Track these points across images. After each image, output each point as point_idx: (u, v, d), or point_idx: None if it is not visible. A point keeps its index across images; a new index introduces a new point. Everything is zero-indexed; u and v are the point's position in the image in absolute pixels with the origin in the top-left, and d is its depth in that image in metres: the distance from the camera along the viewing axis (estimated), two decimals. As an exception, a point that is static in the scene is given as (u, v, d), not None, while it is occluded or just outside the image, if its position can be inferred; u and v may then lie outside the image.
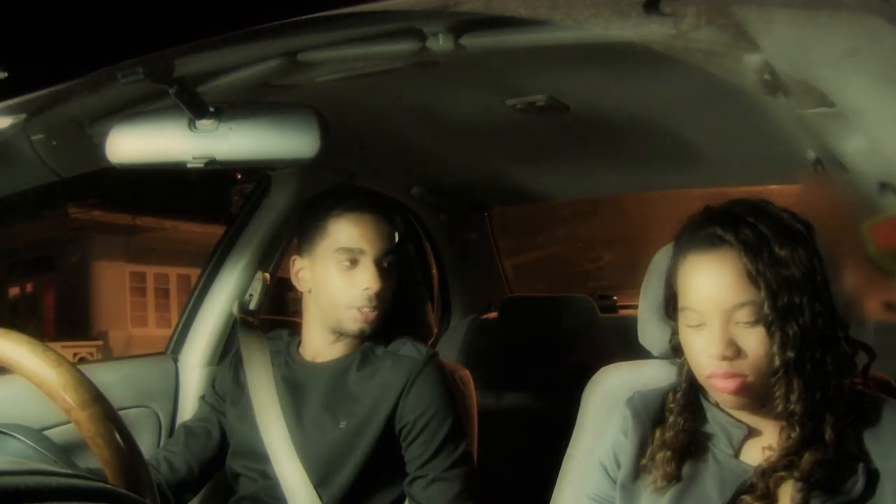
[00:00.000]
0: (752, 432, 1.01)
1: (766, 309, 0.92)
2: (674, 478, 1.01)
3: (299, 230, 1.49)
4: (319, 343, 1.46)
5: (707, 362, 0.95)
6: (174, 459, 1.45)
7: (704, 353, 0.95)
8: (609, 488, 1.09)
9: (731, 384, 0.94)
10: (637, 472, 1.05)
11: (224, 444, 1.49)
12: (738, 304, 0.93)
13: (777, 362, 0.92)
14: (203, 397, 1.57)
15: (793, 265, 0.92)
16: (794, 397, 0.92)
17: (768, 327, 0.92)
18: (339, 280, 1.39)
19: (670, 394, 1.08)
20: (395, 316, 1.54)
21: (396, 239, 1.43)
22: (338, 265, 1.39)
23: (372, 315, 1.39)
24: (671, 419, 1.05)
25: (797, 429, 0.94)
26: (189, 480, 1.46)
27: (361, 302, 1.38)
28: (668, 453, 1.02)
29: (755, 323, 0.93)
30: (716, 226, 0.96)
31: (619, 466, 1.08)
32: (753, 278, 0.92)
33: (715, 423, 1.03)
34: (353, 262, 1.39)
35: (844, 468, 0.94)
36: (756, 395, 0.96)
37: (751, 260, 0.93)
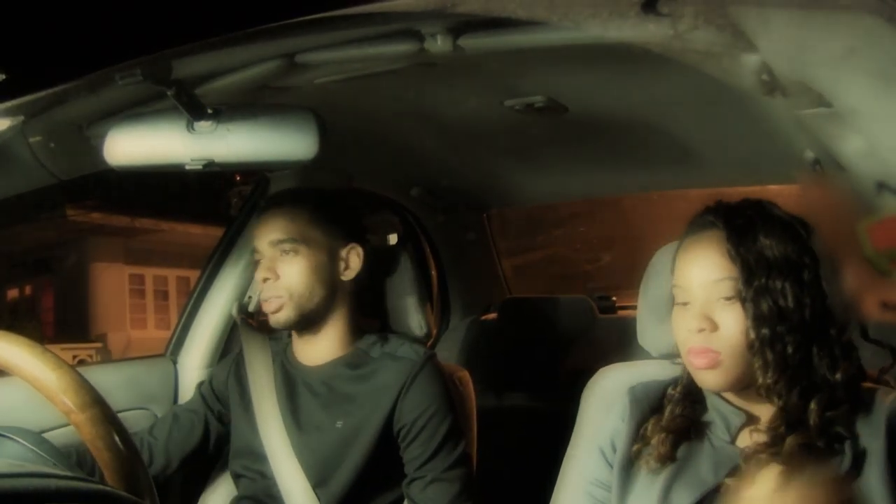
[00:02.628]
0: (750, 420, 1.02)
1: (740, 285, 0.96)
2: (668, 459, 1.03)
3: None
4: (300, 344, 1.47)
5: (686, 336, 0.99)
6: (155, 448, 1.46)
7: (685, 327, 1.00)
8: (608, 474, 1.10)
9: (703, 360, 0.97)
10: (633, 455, 1.07)
11: (206, 441, 1.50)
12: (717, 280, 0.98)
13: (752, 336, 0.95)
14: (199, 385, 1.57)
15: (776, 251, 0.96)
16: (770, 372, 0.95)
17: (743, 303, 0.96)
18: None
19: (670, 386, 1.10)
20: (393, 317, 1.54)
21: (334, 227, 1.43)
22: (255, 265, 1.44)
23: (270, 306, 1.40)
24: (669, 407, 1.08)
25: (779, 406, 0.96)
26: (163, 471, 1.46)
27: (262, 295, 1.41)
28: (664, 435, 1.04)
29: (733, 299, 0.97)
30: (711, 213, 1.02)
31: (615, 452, 1.09)
32: (732, 256, 0.97)
33: (714, 410, 1.05)
34: (258, 261, 1.42)
35: (830, 450, 0.95)
36: (736, 376, 0.98)
37: (733, 241, 0.98)
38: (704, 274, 0.99)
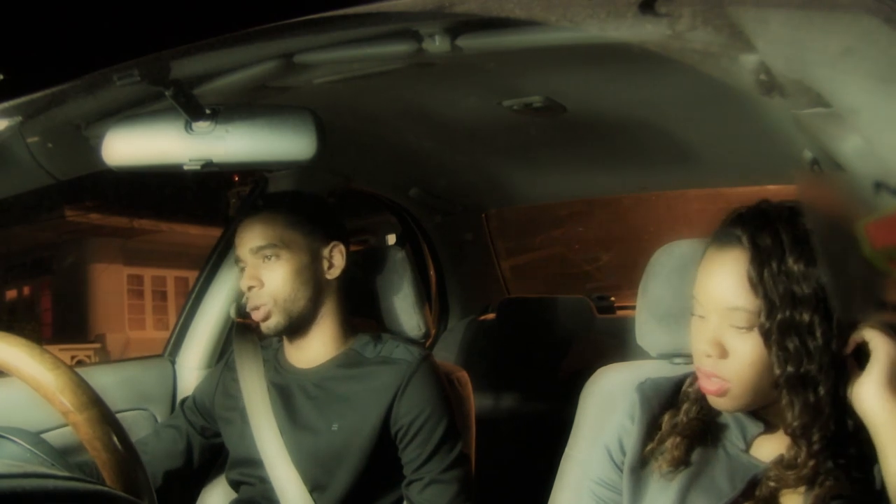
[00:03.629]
0: (767, 428, 0.99)
1: (762, 318, 0.89)
2: (681, 463, 1.00)
3: None
4: (292, 348, 1.46)
5: (697, 355, 0.96)
6: None
7: (697, 345, 0.95)
8: (612, 473, 1.07)
9: (712, 386, 0.94)
10: (645, 456, 1.04)
11: (189, 455, 1.50)
12: (734, 308, 0.91)
13: (777, 373, 0.89)
14: (182, 402, 1.57)
15: (804, 281, 0.88)
16: (796, 414, 0.90)
17: (766, 338, 0.89)
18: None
19: (688, 381, 1.06)
20: (392, 318, 1.54)
21: (313, 227, 1.41)
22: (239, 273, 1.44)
23: (259, 314, 1.40)
24: (685, 406, 1.03)
25: (806, 450, 0.91)
26: None
27: (249, 304, 1.41)
28: (678, 438, 1.01)
29: (748, 329, 0.91)
30: (739, 225, 0.95)
31: (623, 452, 1.06)
32: (754, 285, 0.90)
33: (730, 416, 1.01)
34: (242, 270, 1.42)
35: (863, 481, 0.91)
36: (745, 402, 0.95)
37: (755, 267, 0.90)
38: (721, 297, 0.93)
